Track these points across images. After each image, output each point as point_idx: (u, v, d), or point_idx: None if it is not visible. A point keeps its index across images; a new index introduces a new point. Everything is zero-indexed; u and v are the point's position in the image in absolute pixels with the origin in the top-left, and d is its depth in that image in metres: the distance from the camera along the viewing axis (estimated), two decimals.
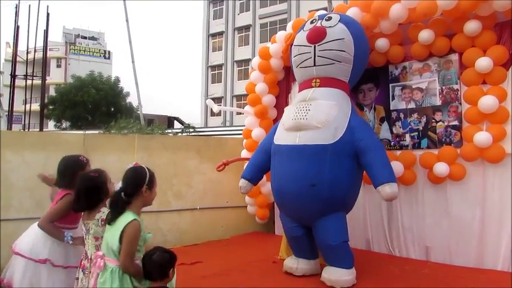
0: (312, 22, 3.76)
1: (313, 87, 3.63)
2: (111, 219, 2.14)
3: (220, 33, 32.03)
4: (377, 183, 3.22)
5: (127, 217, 2.11)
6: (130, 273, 2.08)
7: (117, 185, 2.23)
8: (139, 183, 2.20)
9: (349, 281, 3.29)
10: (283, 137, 3.55)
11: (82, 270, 2.27)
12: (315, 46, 3.56)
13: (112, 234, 2.11)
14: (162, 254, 2.09)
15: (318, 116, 3.36)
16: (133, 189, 2.18)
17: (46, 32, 10.39)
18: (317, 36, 3.56)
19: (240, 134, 5.67)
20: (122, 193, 2.15)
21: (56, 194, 2.66)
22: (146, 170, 2.28)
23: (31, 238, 2.56)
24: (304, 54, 3.65)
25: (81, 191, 2.29)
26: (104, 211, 2.24)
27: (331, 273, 3.35)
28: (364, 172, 3.50)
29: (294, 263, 3.63)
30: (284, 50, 4.72)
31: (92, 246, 2.25)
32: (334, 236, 3.35)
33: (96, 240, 2.24)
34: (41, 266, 2.45)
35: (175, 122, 30.25)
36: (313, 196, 3.30)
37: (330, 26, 3.58)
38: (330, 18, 3.65)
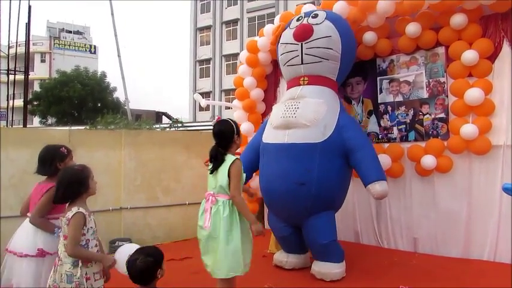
0: (298, 20, 3.73)
1: (301, 85, 3.61)
2: (213, 170, 2.58)
3: (208, 27, 31.77)
4: (367, 181, 3.24)
5: (230, 158, 2.54)
6: (239, 201, 2.50)
7: None
8: (231, 134, 2.62)
9: (338, 274, 3.32)
10: (271, 135, 3.52)
11: (54, 267, 2.22)
12: (302, 44, 3.54)
13: (221, 174, 2.53)
14: (145, 259, 1.96)
15: (306, 114, 3.34)
16: (228, 140, 2.60)
17: (28, 25, 10.17)
18: (304, 34, 3.54)
19: None
20: (217, 148, 2.59)
21: (35, 187, 2.64)
22: (231, 121, 2.69)
23: (23, 236, 2.53)
24: (291, 53, 3.63)
25: (61, 183, 2.21)
26: (73, 211, 2.12)
27: (321, 267, 3.36)
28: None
29: (283, 257, 3.65)
30: (272, 41, 4.64)
31: (61, 245, 2.19)
32: (323, 234, 3.33)
33: (64, 239, 2.15)
34: (39, 260, 2.45)
35: (163, 117, 30.02)
36: (302, 195, 3.28)
37: (316, 24, 3.56)
38: (316, 16, 3.63)
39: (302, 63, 3.58)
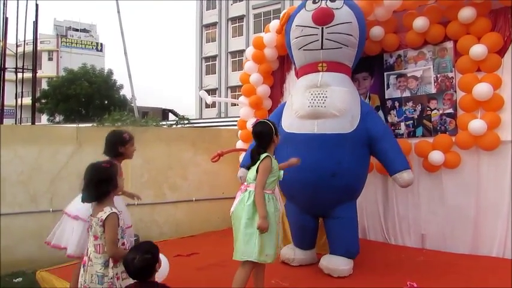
0: (314, 2, 3.52)
1: (320, 71, 3.51)
2: (250, 166, 2.75)
3: (214, 24, 31.74)
4: (393, 170, 3.28)
5: (263, 156, 2.67)
6: (257, 194, 2.62)
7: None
8: (270, 135, 2.72)
9: (346, 270, 3.30)
10: (296, 124, 3.42)
11: (83, 266, 2.23)
12: (322, 28, 3.40)
13: (253, 169, 2.72)
14: (143, 257, 1.94)
15: (336, 103, 3.30)
16: (267, 141, 2.72)
17: (35, 23, 10.23)
18: (325, 18, 3.38)
19: (235, 125, 5.64)
20: (258, 148, 2.72)
21: None
22: (269, 122, 2.79)
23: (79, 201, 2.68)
24: (310, 36, 3.46)
25: (90, 181, 2.17)
26: (106, 211, 2.12)
27: (329, 262, 3.35)
28: None
29: (291, 254, 3.62)
30: (278, 30, 4.49)
31: (91, 245, 2.17)
32: (348, 225, 3.37)
33: (95, 240, 2.15)
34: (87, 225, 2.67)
35: (170, 114, 30.11)
36: (332, 186, 3.28)
37: (336, 8, 3.42)
38: (334, 0, 3.48)
39: (322, 49, 3.45)
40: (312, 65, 3.57)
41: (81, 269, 2.23)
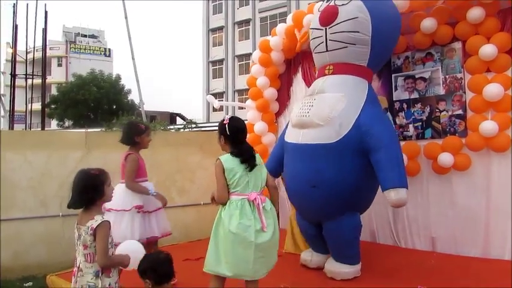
0: (327, 1, 3.45)
1: (326, 74, 3.41)
2: (251, 168, 2.49)
3: (220, 28, 31.87)
4: (383, 187, 2.98)
5: (261, 160, 2.60)
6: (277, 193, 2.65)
7: None
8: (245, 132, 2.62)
9: (349, 273, 3.26)
10: (290, 134, 3.44)
11: (73, 277, 2.17)
12: (326, 29, 3.30)
13: (262, 173, 2.56)
14: (165, 254, 2.11)
15: (320, 112, 3.16)
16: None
17: (45, 30, 10.38)
18: (327, 18, 3.27)
19: None
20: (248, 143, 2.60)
21: (121, 156, 3.23)
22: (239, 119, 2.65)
23: (118, 196, 2.88)
24: (317, 39, 3.41)
25: (75, 186, 2.11)
26: (97, 219, 2.05)
27: (333, 265, 3.33)
28: None
29: (308, 256, 3.63)
30: (297, 49, 4.59)
31: (81, 255, 2.11)
32: (343, 237, 3.24)
33: (84, 249, 2.07)
34: (130, 214, 3.02)
35: (177, 118, 30.22)
36: (315, 197, 3.19)
37: (343, 4, 3.26)
38: None
39: (327, 50, 3.35)
40: (321, 68, 3.53)
41: (73, 279, 2.16)
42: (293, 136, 3.38)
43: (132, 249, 2.28)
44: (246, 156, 2.48)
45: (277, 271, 3.59)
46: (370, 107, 3.24)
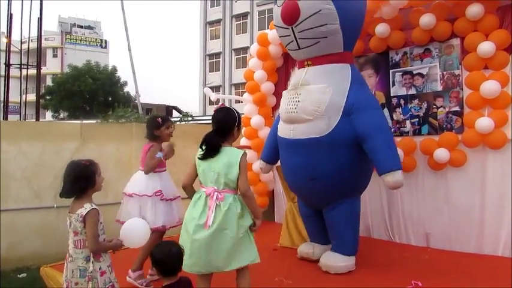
0: None
1: (305, 66, 3.39)
2: (207, 156, 2.41)
3: (218, 21, 31.69)
4: (380, 171, 3.03)
5: (235, 150, 2.43)
6: (252, 195, 2.47)
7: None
8: (232, 125, 2.47)
9: (343, 267, 3.28)
10: (281, 128, 3.48)
11: (65, 263, 2.25)
12: (292, 28, 3.16)
13: (227, 167, 2.36)
14: (177, 256, 2.14)
15: (307, 107, 3.15)
16: (228, 130, 2.46)
17: (40, 19, 10.24)
18: (290, 17, 3.11)
19: None
20: (215, 134, 2.44)
21: (142, 148, 3.29)
22: (234, 110, 2.52)
23: (138, 182, 3.16)
24: (286, 38, 3.32)
25: (67, 177, 2.20)
26: (86, 207, 2.15)
27: (327, 259, 3.35)
28: None
29: (310, 248, 3.62)
30: None
31: (71, 241, 2.20)
32: (342, 222, 3.32)
33: (75, 235, 2.17)
34: (151, 199, 3.08)
35: (173, 111, 30.12)
36: (315, 189, 3.27)
37: None
38: None
39: (300, 48, 3.28)
40: (301, 62, 3.50)
41: (64, 265, 2.25)
42: (284, 131, 3.40)
43: (136, 227, 2.35)
44: (203, 146, 2.45)
45: (273, 265, 3.62)
46: (356, 90, 3.20)
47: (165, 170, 3.34)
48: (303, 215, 3.79)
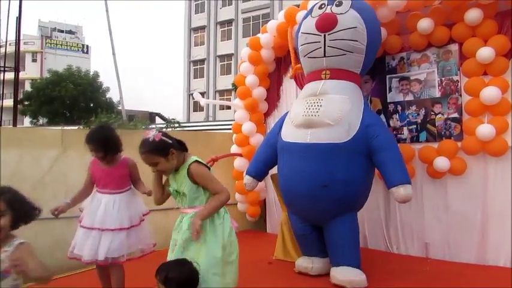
0: (320, 7, 3.48)
1: (322, 79, 3.41)
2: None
3: (202, 28, 31.56)
4: (390, 184, 3.08)
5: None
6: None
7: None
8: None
9: (362, 282, 3.13)
10: (292, 134, 3.34)
11: None
12: (325, 35, 3.32)
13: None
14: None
15: (330, 112, 3.18)
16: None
17: (19, 19, 9.83)
18: (327, 24, 3.31)
19: (224, 129, 5.44)
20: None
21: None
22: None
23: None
24: (313, 44, 3.40)
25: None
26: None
27: (340, 273, 3.17)
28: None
29: (308, 262, 3.45)
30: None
31: None
32: (347, 236, 3.21)
33: None
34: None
35: (156, 117, 29.72)
36: (325, 197, 3.13)
37: (340, 13, 3.32)
38: (340, 4, 3.37)
39: (325, 56, 3.36)
40: (316, 72, 3.49)
41: None
42: (298, 136, 3.27)
43: None
44: None
45: (269, 280, 3.43)
46: (369, 111, 3.44)
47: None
48: (297, 233, 3.58)
